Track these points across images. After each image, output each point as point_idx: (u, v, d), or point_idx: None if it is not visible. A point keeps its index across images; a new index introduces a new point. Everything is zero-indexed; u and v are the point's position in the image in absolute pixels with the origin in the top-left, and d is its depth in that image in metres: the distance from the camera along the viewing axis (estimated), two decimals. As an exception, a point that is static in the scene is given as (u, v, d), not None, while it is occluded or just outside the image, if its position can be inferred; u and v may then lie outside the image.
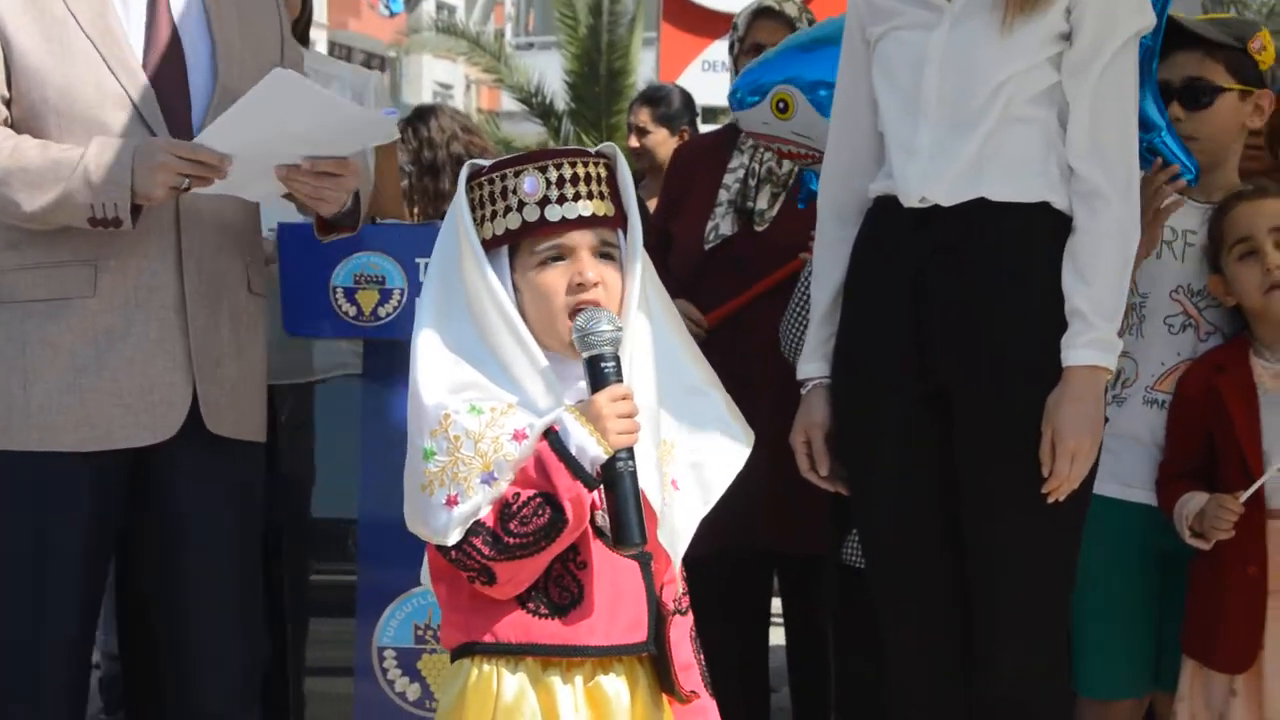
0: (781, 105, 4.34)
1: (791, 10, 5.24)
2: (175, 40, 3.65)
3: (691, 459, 2.90)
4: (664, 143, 7.51)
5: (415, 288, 3.99)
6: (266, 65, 3.65)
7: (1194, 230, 4.14)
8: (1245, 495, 3.88)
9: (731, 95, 4.62)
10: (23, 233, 3.56)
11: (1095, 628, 4.13)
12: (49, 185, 3.44)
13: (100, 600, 3.74)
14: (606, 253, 2.81)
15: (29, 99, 3.54)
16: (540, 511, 2.65)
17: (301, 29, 4.90)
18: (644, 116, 7.82)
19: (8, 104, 3.56)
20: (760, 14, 5.28)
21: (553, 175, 2.78)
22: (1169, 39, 4.13)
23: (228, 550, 3.74)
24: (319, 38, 31.51)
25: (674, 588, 2.89)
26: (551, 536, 2.66)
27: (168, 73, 3.63)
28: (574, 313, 2.75)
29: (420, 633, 4.05)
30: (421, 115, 5.76)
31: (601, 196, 2.81)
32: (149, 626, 3.79)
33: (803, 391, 3.79)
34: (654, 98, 8.10)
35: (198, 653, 3.72)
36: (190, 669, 3.72)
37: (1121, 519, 4.09)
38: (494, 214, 2.79)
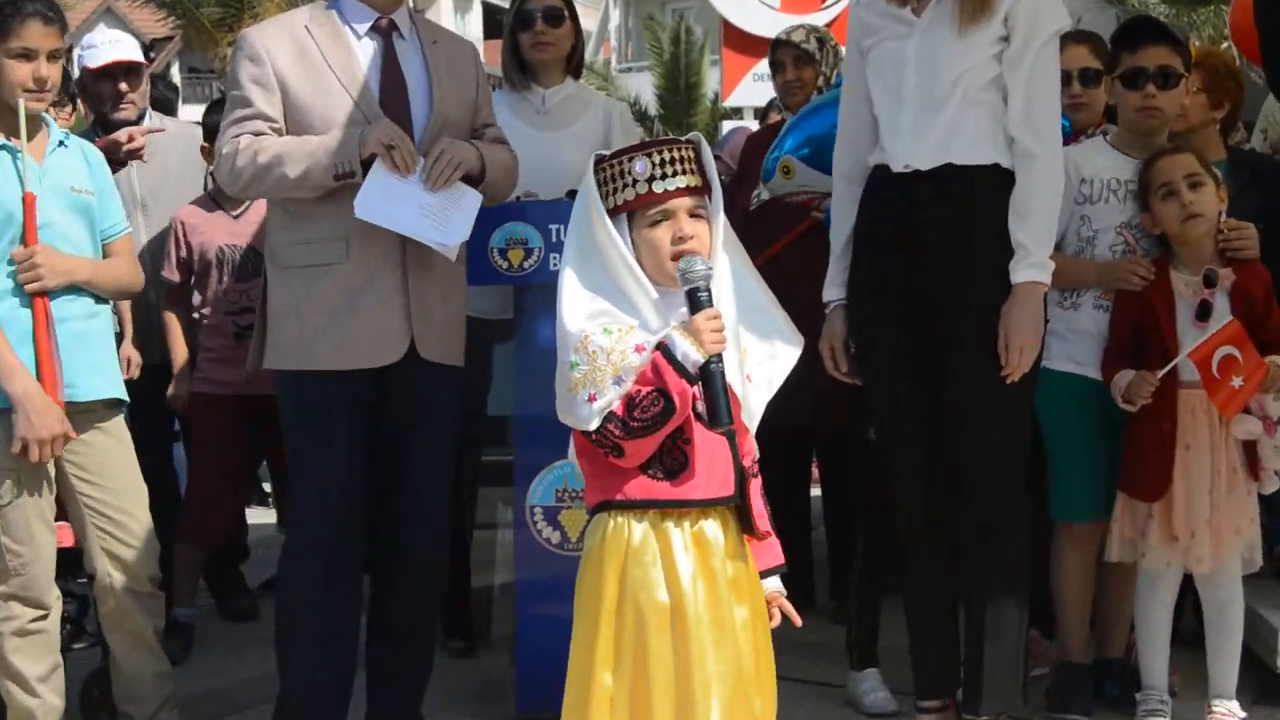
0: (786, 170, 4.42)
1: (798, 37, 5.41)
2: (401, 81, 3.75)
3: (759, 359, 2.86)
4: None
5: (550, 246, 3.99)
6: (468, 100, 3.86)
7: (1133, 180, 4.09)
8: (1163, 372, 3.87)
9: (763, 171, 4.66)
10: (294, 216, 3.70)
11: (1061, 468, 4.17)
12: (303, 158, 3.60)
13: (361, 475, 3.76)
14: (697, 213, 2.77)
15: (301, 127, 3.69)
16: (656, 402, 2.62)
17: (575, 65, 4.93)
18: None
19: (280, 132, 3.69)
20: (776, 44, 5.54)
21: (656, 159, 2.75)
22: (1142, 32, 4.16)
23: (438, 437, 3.85)
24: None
25: (751, 455, 2.85)
26: (664, 420, 2.63)
27: (395, 103, 3.73)
28: (676, 257, 2.72)
29: (560, 494, 4.03)
30: None
31: (692, 172, 2.77)
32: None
33: (826, 310, 3.79)
34: None
35: (419, 512, 3.84)
36: (411, 523, 3.83)
37: (1077, 388, 4.10)
38: (615, 190, 2.76)
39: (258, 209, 5.04)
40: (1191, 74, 4.22)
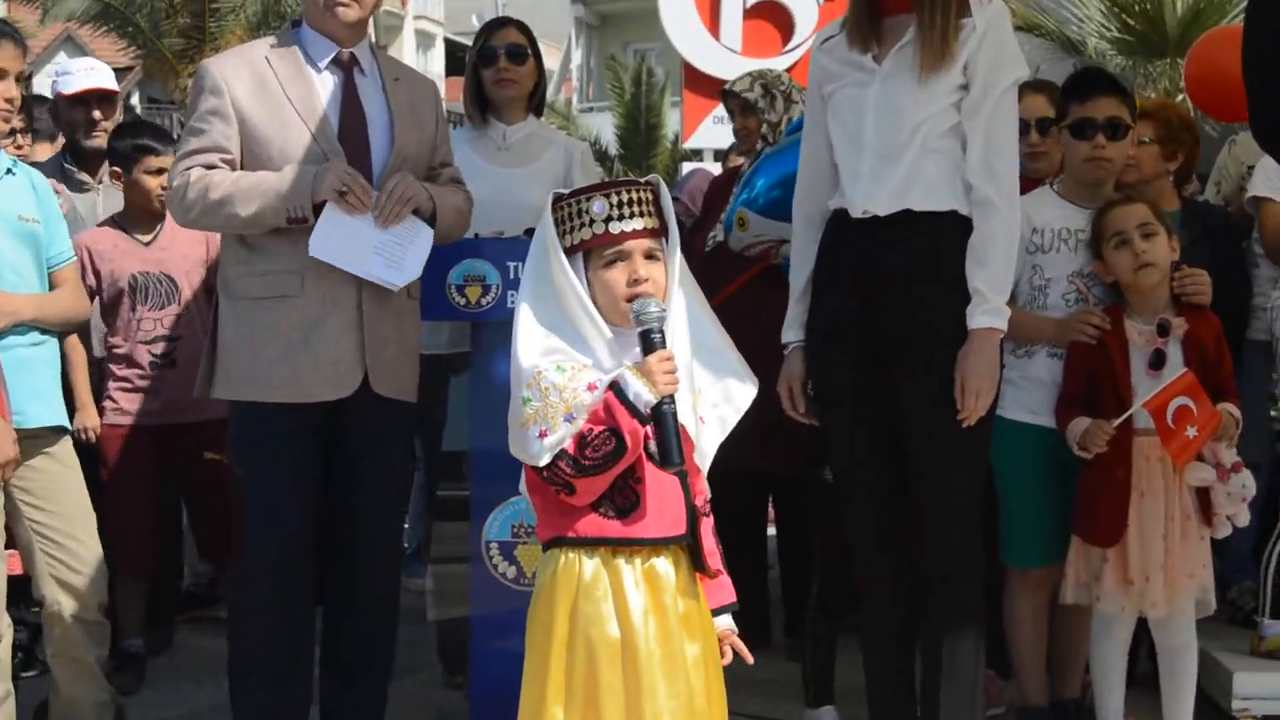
0: (741, 222, 4.43)
1: (741, 86, 5.42)
2: (361, 116, 3.75)
3: (713, 401, 2.88)
4: None
5: (508, 283, 3.95)
6: (427, 138, 3.87)
7: (1084, 230, 4.12)
8: (1119, 421, 3.89)
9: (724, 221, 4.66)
10: (249, 249, 3.69)
11: (1015, 515, 4.17)
12: (255, 199, 3.58)
13: (312, 504, 3.75)
14: (653, 255, 2.78)
15: (259, 159, 3.67)
16: (608, 441, 2.62)
17: (537, 103, 4.97)
18: None
19: (233, 164, 3.67)
20: (723, 94, 5.58)
21: (614, 199, 2.75)
22: (1092, 83, 4.18)
23: (390, 468, 3.88)
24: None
25: (703, 495, 2.85)
26: (615, 459, 2.63)
27: (354, 138, 3.72)
28: (630, 299, 2.72)
29: (516, 530, 4.00)
30: None
31: (649, 214, 2.78)
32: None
33: (785, 352, 3.77)
34: None
35: (372, 543, 3.85)
36: (366, 554, 3.84)
37: (1031, 437, 4.10)
38: (572, 228, 2.76)
39: (169, 235, 5.03)
40: (1138, 125, 4.28)
